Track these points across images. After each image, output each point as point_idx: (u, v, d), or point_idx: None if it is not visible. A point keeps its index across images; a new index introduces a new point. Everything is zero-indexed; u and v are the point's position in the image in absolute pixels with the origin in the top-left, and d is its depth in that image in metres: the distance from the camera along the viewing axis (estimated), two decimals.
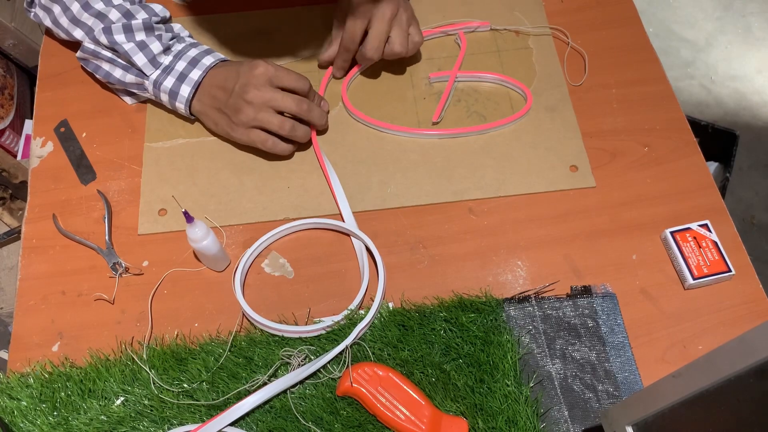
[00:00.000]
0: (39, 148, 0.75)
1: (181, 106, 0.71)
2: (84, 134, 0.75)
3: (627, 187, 0.71)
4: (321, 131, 0.74)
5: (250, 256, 0.66)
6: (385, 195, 0.71)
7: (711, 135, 1.45)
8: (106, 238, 0.68)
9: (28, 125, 1.44)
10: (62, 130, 0.75)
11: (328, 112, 0.75)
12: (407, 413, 0.57)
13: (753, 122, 1.71)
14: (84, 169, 0.73)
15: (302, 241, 0.68)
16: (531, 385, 0.60)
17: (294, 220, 0.69)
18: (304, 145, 0.73)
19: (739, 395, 0.37)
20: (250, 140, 0.69)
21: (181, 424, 0.58)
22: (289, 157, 0.72)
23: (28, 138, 1.43)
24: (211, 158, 0.73)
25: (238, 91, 0.67)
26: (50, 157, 0.74)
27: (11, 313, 1.29)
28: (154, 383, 0.60)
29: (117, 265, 0.66)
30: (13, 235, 1.36)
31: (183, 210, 0.58)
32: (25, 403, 0.59)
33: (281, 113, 0.68)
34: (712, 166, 1.48)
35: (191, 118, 0.74)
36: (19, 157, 1.39)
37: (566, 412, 0.60)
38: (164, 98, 0.71)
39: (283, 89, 0.68)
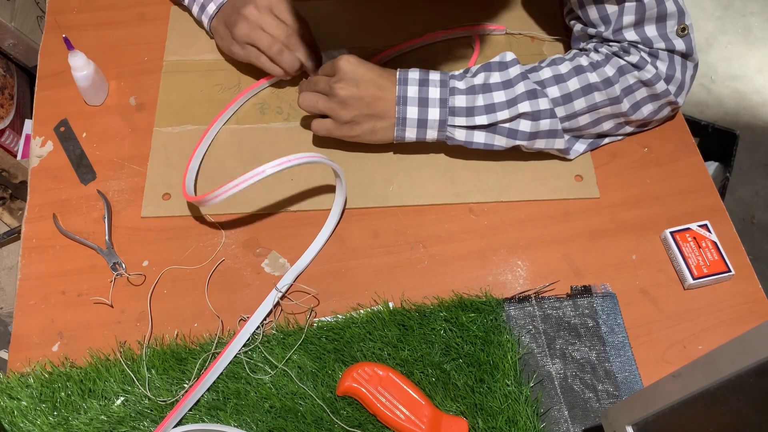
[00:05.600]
0: (39, 148, 0.75)
1: (205, 20, 0.77)
2: (84, 134, 0.75)
3: (627, 187, 0.71)
4: (286, 76, 0.74)
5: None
6: (388, 193, 0.71)
7: (711, 135, 1.45)
8: (106, 238, 0.68)
9: (28, 125, 1.44)
10: (62, 129, 0.75)
11: (314, 65, 0.74)
12: (407, 413, 0.57)
13: (753, 122, 1.71)
14: (84, 169, 0.73)
15: (303, 240, 0.68)
16: (531, 384, 0.60)
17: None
18: (310, 140, 0.73)
19: (739, 395, 0.37)
20: (247, 55, 0.73)
21: (181, 424, 0.58)
22: (284, 76, 0.74)
23: (28, 138, 1.43)
24: (218, 146, 0.74)
25: (239, 6, 0.72)
26: (50, 156, 0.74)
27: (11, 313, 1.29)
28: (149, 388, 0.60)
29: (117, 265, 0.66)
30: (13, 235, 1.36)
31: (63, 36, 0.69)
32: (25, 403, 0.59)
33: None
34: (712, 166, 1.48)
35: (210, 34, 0.80)
36: (19, 157, 1.39)
37: (566, 412, 0.60)
38: (195, 9, 0.79)
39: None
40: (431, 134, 0.68)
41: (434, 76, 0.67)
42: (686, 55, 0.67)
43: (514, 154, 0.71)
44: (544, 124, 0.66)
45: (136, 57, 0.80)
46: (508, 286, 0.66)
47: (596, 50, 0.69)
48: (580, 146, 0.71)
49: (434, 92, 0.66)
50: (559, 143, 0.68)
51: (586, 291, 0.65)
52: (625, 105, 0.67)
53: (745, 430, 0.38)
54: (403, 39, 0.80)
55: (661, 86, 0.67)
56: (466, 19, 0.82)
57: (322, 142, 0.73)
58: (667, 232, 0.67)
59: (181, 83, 0.78)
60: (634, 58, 0.66)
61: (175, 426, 0.58)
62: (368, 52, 0.79)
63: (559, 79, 0.66)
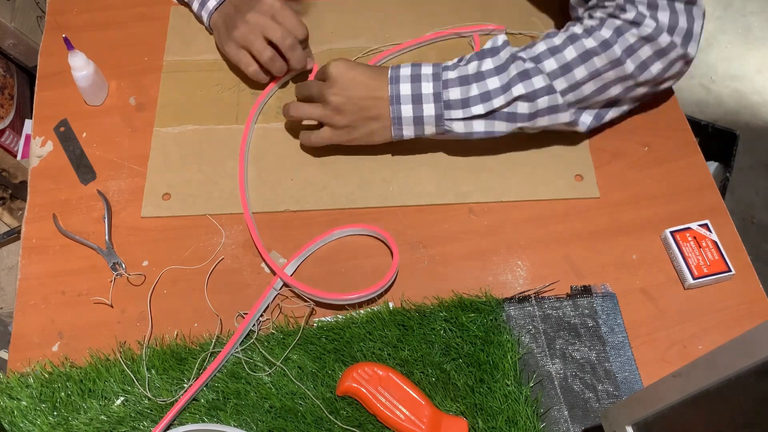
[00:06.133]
0: (39, 148, 0.75)
1: (205, 15, 0.78)
2: (84, 134, 0.75)
3: (627, 187, 0.71)
4: (294, 71, 0.77)
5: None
6: (387, 193, 0.71)
7: (711, 135, 1.45)
8: (106, 238, 0.68)
9: (28, 125, 1.44)
10: (62, 129, 0.75)
11: (310, 71, 0.77)
12: (407, 413, 0.57)
13: (753, 122, 1.71)
14: (84, 169, 0.73)
15: (303, 240, 0.68)
16: (531, 384, 0.60)
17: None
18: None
19: (739, 395, 0.37)
20: (237, 59, 0.74)
21: (181, 423, 0.58)
22: (261, 85, 0.76)
23: (28, 138, 1.43)
24: (217, 146, 0.74)
25: (243, 9, 0.73)
26: (50, 156, 0.74)
27: (11, 313, 1.28)
28: (149, 388, 0.60)
29: (117, 265, 0.66)
30: (13, 235, 1.36)
31: (63, 36, 0.69)
32: (25, 403, 0.59)
33: (270, 44, 0.73)
34: (712, 165, 1.48)
35: (209, 30, 0.81)
36: (19, 157, 1.39)
37: (566, 412, 0.60)
38: (195, 5, 0.80)
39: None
40: (429, 129, 0.67)
41: (426, 69, 0.66)
42: (690, 2, 0.63)
43: (514, 149, 0.71)
44: (542, 102, 0.64)
45: (136, 57, 0.80)
46: (508, 286, 0.66)
47: (590, 16, 0.67)
48: (587, 117, 0.68)
49: (427, 87, 0.65)
50: (564, 117, 0.66)
51: (586, 291, 0.65)
52: (630, 66, 0.64)
53: (745, 430, 0.38)
54: (403, 39, 0.80)
55: (664, 39, 0.63)
56: (466, 19, 0.82)
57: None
58: (668, 231, 0.67)
59: (181, 83, 0.78)
60: (630, 14, 0.63)
61: (175, 426, 0.58)
62: (367, 52, 0.80)
63: (554, 51, 0.65)
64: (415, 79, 0.65)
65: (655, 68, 0.65)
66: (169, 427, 0.58)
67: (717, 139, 1.45)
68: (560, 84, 0.64)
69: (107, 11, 0.84)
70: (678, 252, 0.65)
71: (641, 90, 0.68)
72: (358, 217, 0.69)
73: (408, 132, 0.67)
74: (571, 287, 0.65)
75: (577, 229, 0.69)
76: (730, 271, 0.64)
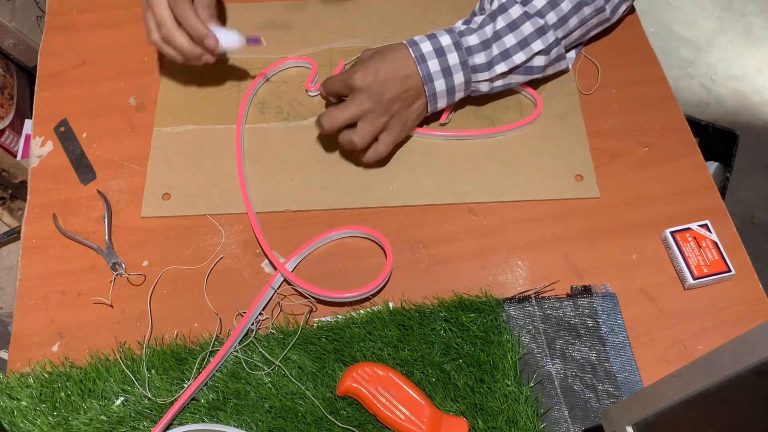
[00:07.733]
0: (39, 148, 0.75)
1: None
2: (84, 134, 0.75)
3: (627, 187, 0.71)
4: (185, 60, 0.70)
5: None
6: (387, 193, 0.71)
7: (711, 135, 1.45)
8: (106, 238, 0.68)
9: (28, 125, 1.44)
10: (62, 129, 0.75)
11: (211, 51, 0.69)
12: (407, 413, 0.57)
13: (753, 122, 1.71)
14: (84, 169, 0.73)
15: (303, 240, 0.68)
16: (531, 385, 0.60)
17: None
18: (310, 140, 0.73)
19: (739, 395, 0.37)
20: (145, 20, 0.69)
21: (180, 423, 0.58)
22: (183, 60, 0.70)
23: (27, 138, 1.43)
24: (217, 146, 0.74)
25: None
26: (50, 156, 0.74)
27: (11, 313, 1.28)
28: (149, 387, 0.60)
29: (117, 265, 0.66)
30: (13, 235, 1.36)
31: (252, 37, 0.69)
32: (25, 403, 0.59)
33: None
34: (712, 166, 1.48)
35: None
36: (18, 157, 1.39)
37: (566, 412, 0.60)
38: None
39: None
40: (459, 95, 0.71)
41: (445, 40, 0.68)
42: None
43: (515, 149, 0.71)
44: (554, 53, 0.70)
45: (136, 57, 0.80)
46: (508, 286, 0.66)
47: None
48: (572, 55, 0.78)
49: (453, 58, 0.67)
50: (565, 63, 0.74)
51: (586, 291, 0.65)
52: (607, 11, 0.73)
53: (745, 430, 0.38)
54: (403, 38, 0.80)
55: None
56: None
57: (326, 142, 0.73)
58: (668, 231, 0.67)
59: (181, 83, 0.78)
60: None
61: (174, 426, 0.58)
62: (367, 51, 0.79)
63: (553, 4, 0.69)
64: (440, 53, 0.67)
65: (622, 8, 0.76)
66: (168, 426, 0.58)
67: (717, 139, 1.45)
68: (559, 33, 0.70)
69: (107, 11, 0.84)
70: (678, 252, 0.65)
71: (605, 27, 0.78)
72: (358, 217, 0.69)
73: (441, 103, 0.70)
74: (571, 287, 0.65)
75: (577, 229, 0.69)
76: (730, 271, 0.64)
